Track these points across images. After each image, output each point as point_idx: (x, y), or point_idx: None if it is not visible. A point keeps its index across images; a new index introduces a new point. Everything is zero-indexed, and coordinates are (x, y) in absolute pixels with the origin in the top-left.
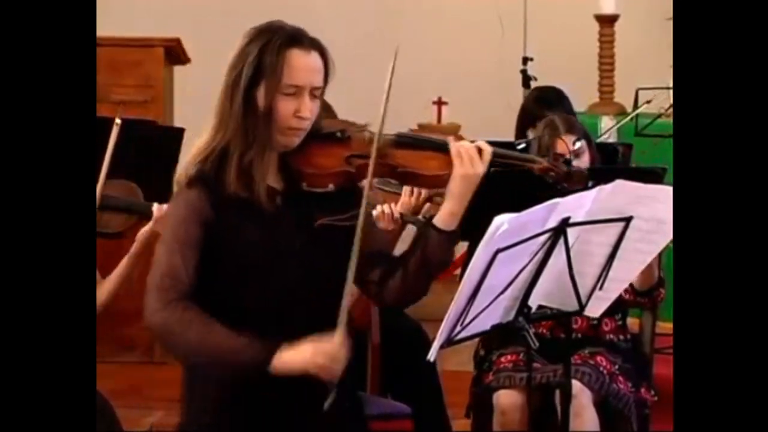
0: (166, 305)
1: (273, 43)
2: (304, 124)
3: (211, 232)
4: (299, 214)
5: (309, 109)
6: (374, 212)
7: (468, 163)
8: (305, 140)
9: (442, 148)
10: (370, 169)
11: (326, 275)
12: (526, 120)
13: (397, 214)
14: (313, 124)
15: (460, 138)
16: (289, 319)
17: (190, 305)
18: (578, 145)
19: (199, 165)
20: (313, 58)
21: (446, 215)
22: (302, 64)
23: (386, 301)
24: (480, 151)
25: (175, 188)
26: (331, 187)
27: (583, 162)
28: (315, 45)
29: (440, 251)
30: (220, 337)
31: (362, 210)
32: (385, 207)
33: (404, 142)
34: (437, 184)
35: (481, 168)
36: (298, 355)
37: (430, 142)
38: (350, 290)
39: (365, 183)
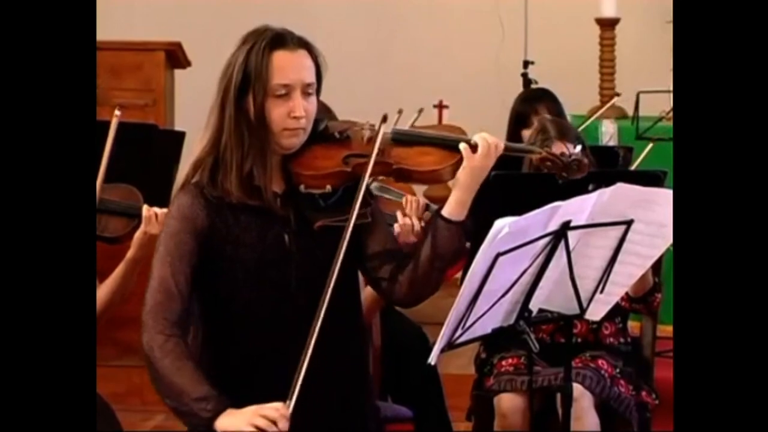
0: (152, 326)
1: (257, 47)
2: (300, 123)
3: (207, 239)
4: (299, 216)
5: (303, 108)
6: (395, 226)
7: (484, 155)
8: (307, 142)
9: (437, 143)
10: (369, 168)
11: (325, 277)
12: (518, 122)
13: (417, 227)
14: (318, 125)
15: (457, 130)
16: (286, 321)
17: (176, 333)
18: (573, 149)
19: (192, 172)
20: (300, 56)
21: (455, 205)
22: (289, 64)
23: (397, 297)
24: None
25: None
26: (328, 188)
27: None
28: (301, 43)
29: (450, 242)
30: (185, 379)
31: (356, 208)
32: (407, 219)
33: (401, 139)
34: (431, 179)
35: (492, 160)
36: (238, 418)
37: (426, 137)
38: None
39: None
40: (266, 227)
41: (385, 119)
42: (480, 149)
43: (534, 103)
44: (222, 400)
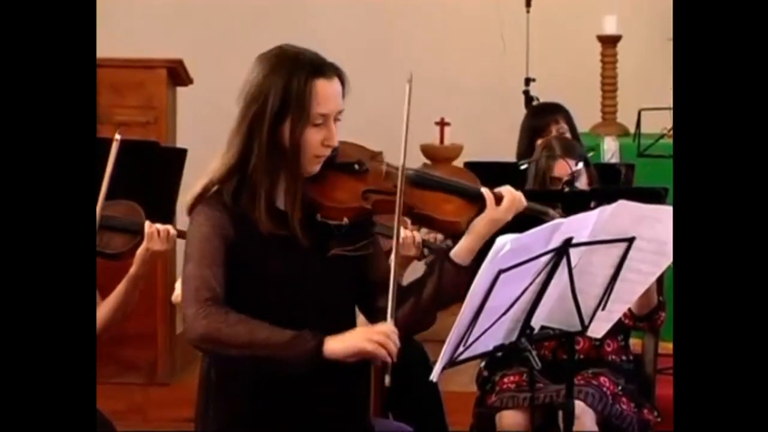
0: (207, 313)
1: (298, 75)
2: (329, 151)
3: (232, 251)
4: (314, 241)
5: (335, 136)
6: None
7: (507, 209)
8: (323, 167)
9: (458, 191)
10: (398, 208)
11: (336, 303)
12: (534, 133)
13: (419, 239)
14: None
15: (471, 177)
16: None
17: (230, 309)
18: (578, 167)
19: (217, 188)
20: (336, 85)
21: (464, 251)
22: (329, 93)
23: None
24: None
25: (179, 209)
26: (345, 221)
27: (582, 183)
28: (336, 71)
29: (455, 284)
30: (269, 332)
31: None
32: (407, 232)
33: (421, 181)
34: (450, 230)
35: (512, 215)
36: (350, 338)
37: (448, 185)
38: (395, 283)
39: (394, 220)
40: (288, 249)
41: (404, 167)
42: (505, 202)
43: (553, 114)
44: (314, 331)
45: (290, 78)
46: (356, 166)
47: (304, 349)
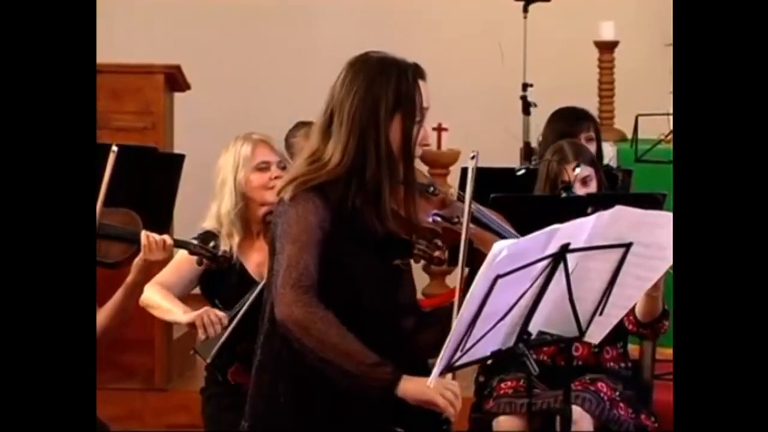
0: (307, 302)
1: (407, 76)
2: (421, 151)
3: (328, 241)
4: (386, 249)
5: (429, 136)
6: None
7: None
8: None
9: (508, 236)
10: (464, 237)
11: (395, 309)
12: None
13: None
14: None
15: None
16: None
17: (327, 307)
18: (586, 172)
19: (313, 176)
20: (427, 87)
21: None
22: (425, 94)
23: (416, 350)
24: None
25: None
26: (414, 237)
27: (591, 189)
28: (425, 75)
29: None
30: (357, 346)
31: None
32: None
33: (479, 219)
34: None
35: None
36: (423, 386)
37: (499, 229)
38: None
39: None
40: (370, 252)
41: (470, 202)
42: None
43: (586, 121)
44: (396, 367)
45: (400, 78)
46: (430, 189)
47: (381, 379)
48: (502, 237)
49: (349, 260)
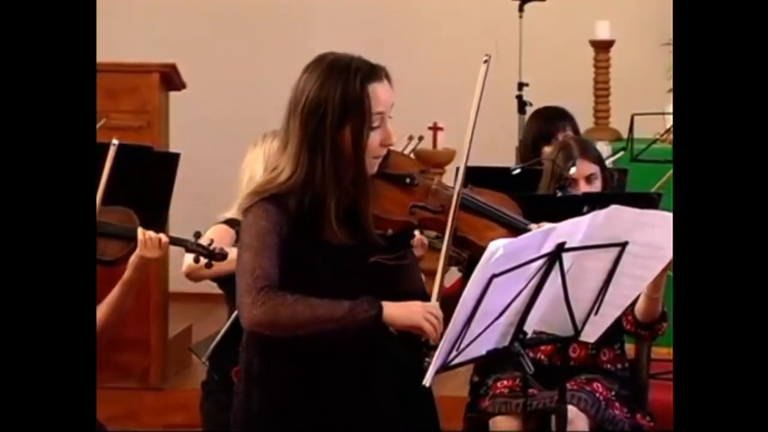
0: (264, 299)
1: (353, 81)
2: (385, 151)
3: (286, 249)
4: (356, 247)
5: (392, 135)
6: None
7: None
8: (372, 176)
9: (504, 221)
10: (449, 229)
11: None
12: (540, 138)
13: (425, 241)
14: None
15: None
16: (339, 349)
17: (286, 291)
18: (591, 170)
19: (268, 186)
20: (387, 86)
21: None
22: (383, 95)
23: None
24: None
25: (172, 213)
26: (390, 232)
27: (596, 187)
28: (385, 72)
29: None
30: (328, 305)
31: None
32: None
33: (469, 206)
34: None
35: None
36: (409, 310)
37: (494, 214)
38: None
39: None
40: (335, 253)
41: (459, 192)
42: None
43: (562, 120)
44: (370, 298)
45: (346, 85)
46: (408, 180)
47: (366, 316)
48: (498, 222)
49: (311, 261)
